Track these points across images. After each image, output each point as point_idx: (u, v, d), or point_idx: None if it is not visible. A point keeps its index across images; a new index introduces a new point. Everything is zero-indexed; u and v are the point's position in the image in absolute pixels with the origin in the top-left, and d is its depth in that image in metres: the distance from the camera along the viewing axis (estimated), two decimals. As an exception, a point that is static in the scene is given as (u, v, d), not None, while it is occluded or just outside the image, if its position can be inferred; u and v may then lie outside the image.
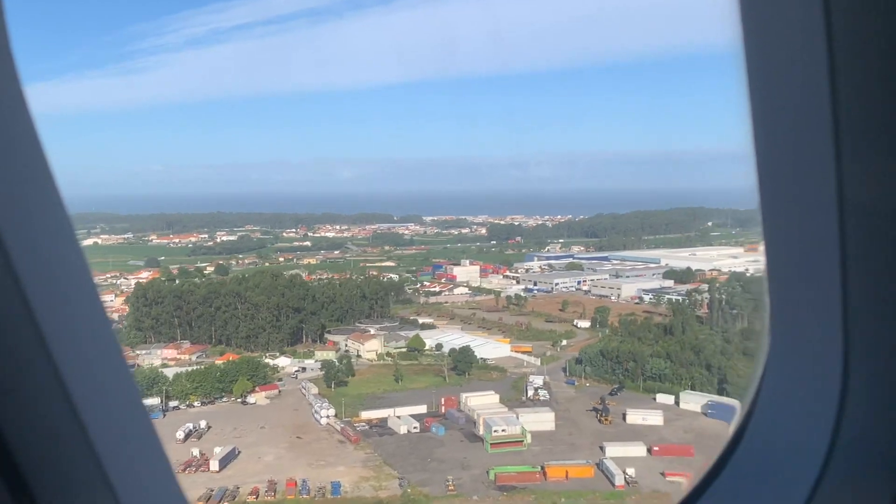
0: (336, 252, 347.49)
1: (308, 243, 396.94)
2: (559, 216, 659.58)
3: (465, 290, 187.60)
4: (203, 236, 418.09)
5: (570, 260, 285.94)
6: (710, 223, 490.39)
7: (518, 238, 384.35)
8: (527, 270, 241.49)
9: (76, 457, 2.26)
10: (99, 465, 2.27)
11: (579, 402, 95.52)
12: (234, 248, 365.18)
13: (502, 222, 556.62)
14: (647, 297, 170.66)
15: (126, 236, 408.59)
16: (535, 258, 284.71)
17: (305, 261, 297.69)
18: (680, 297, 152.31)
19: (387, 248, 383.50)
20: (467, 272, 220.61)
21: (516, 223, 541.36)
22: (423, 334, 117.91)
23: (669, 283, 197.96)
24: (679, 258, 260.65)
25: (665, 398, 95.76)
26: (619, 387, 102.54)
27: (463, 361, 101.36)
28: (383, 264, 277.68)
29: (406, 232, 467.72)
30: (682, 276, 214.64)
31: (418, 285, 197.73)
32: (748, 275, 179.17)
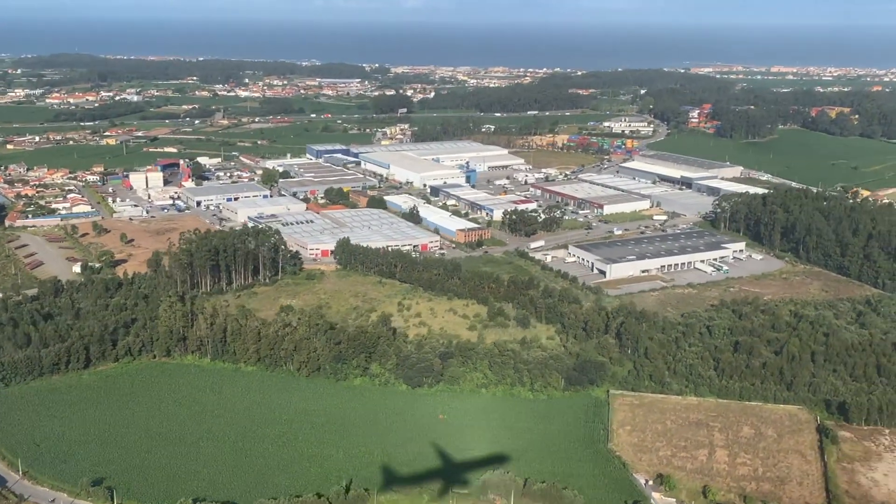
0: (197, 122, 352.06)
1: (188, 106, 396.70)
2: (541, 70, 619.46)
3: (88, 208, 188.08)
4: (107, 94, 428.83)
5: (307, 160, 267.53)
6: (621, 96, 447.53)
7: (403, 110, 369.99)
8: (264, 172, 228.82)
9: None
10: None
11: None
12: (106, 113, 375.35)
13: (470, 80, 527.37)
14: (258, 225, 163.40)
15: (34, 91, 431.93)
16: (296, 155, 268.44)
17: (106, 142, 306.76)
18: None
19: (256, 119, 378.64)
20: (154, 179, 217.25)
21: (449, 87, 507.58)
22: None
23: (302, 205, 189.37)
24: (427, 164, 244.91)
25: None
26: None
27: None
28: (167, 150, 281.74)
29: (330, 93, 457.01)
30: (333, 195, 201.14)
31: (76, 195, 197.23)
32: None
